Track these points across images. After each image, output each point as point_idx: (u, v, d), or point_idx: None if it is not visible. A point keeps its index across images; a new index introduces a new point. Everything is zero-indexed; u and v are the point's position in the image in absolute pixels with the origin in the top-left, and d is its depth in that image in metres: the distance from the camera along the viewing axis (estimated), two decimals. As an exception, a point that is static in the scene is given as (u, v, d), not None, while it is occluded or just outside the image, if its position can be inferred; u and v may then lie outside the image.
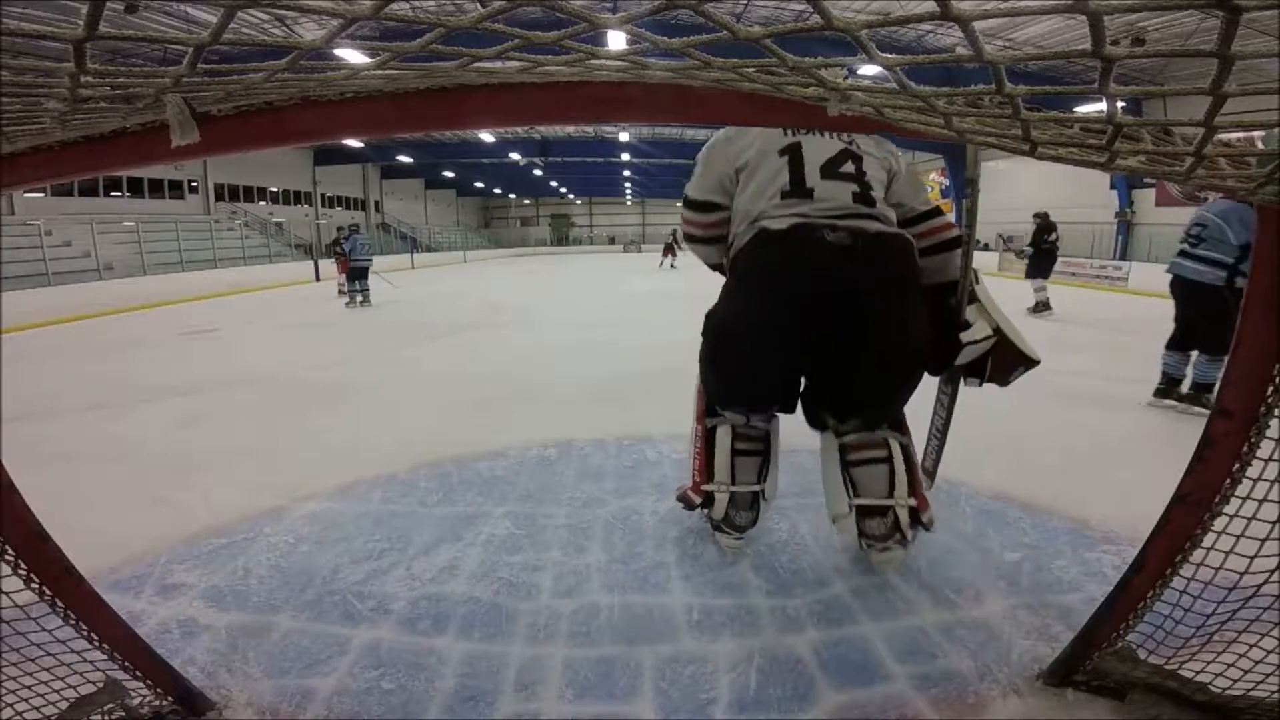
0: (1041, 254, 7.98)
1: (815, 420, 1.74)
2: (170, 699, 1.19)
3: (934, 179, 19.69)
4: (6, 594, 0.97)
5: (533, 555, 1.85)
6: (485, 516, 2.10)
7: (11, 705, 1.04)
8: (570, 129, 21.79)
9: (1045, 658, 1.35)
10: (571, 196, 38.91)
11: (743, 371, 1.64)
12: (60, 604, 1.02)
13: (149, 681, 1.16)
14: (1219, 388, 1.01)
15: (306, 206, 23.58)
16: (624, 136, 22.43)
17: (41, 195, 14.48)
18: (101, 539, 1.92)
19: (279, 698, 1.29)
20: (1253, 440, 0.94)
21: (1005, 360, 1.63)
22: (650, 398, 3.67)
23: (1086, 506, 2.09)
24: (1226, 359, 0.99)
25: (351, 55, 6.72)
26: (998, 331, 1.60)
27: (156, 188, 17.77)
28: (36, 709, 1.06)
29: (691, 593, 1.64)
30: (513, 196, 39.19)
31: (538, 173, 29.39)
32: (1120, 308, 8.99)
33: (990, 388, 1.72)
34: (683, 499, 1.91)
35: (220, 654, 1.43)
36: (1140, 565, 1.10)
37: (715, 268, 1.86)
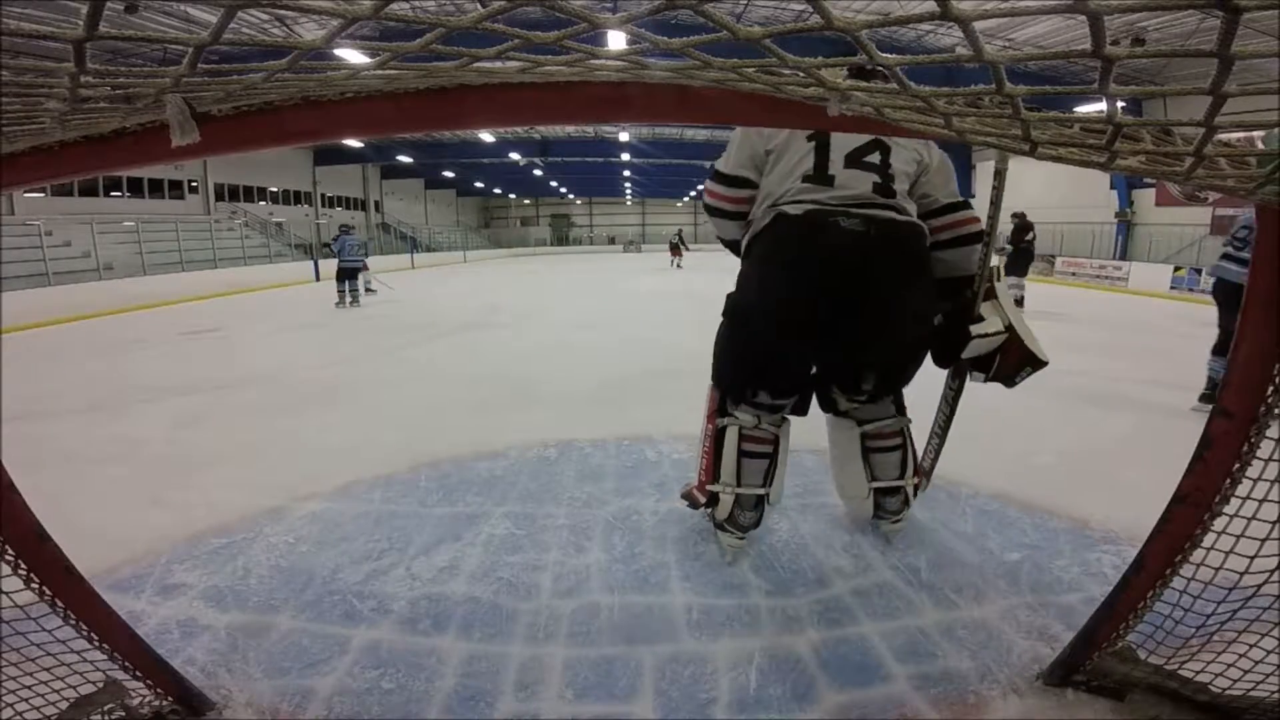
0: (1019, 253, 8.06)
1: (826, 401, 1.83)
2: (170, 699, 1.19)
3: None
4: (6, 594, 0.97)
5: (533, 555, 1.85)
6: (485, 516, 2.10)
7: (11, 705, 1.04)
8: (570, 129, 21.78)
9: (1045, 658, 1.35)
10: (571, 196, 38.91)
11: (759, 352, 1.66)
12: (60, 604, 1.02)
13: (149, 681, 1.16)
14: (1219, 388, 1.01)
15: (306, 206, 23.57)
16: (624, 136, 22.41)
17: (41, 195, 14.48)
18: (101, 539, 1.92)
19: (279, 698, 1.29)
20: (1253, 440, 0.94)
21: (1013, 359, 1.64)
22: (650, 398, 3.67)
23: (1086, 506, 2.09)
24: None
25: (351, 55, 6.72)
26: (1009, 329, 1.61)
27: (156, 188, 17.76)
28: (36, 709, 1.06)
29: (691, 593, 1.65)
30: (513, 196, 39.19)
31: (538, 173, 29.39)
32: (1120, 308, 8.99)
33: (992, 388, 1.72)
34: (687, 497, 1.92)
35: (220, 654, 1.43)
36: (1140, 565, 1.10)
37: (731, 244, 1.85)
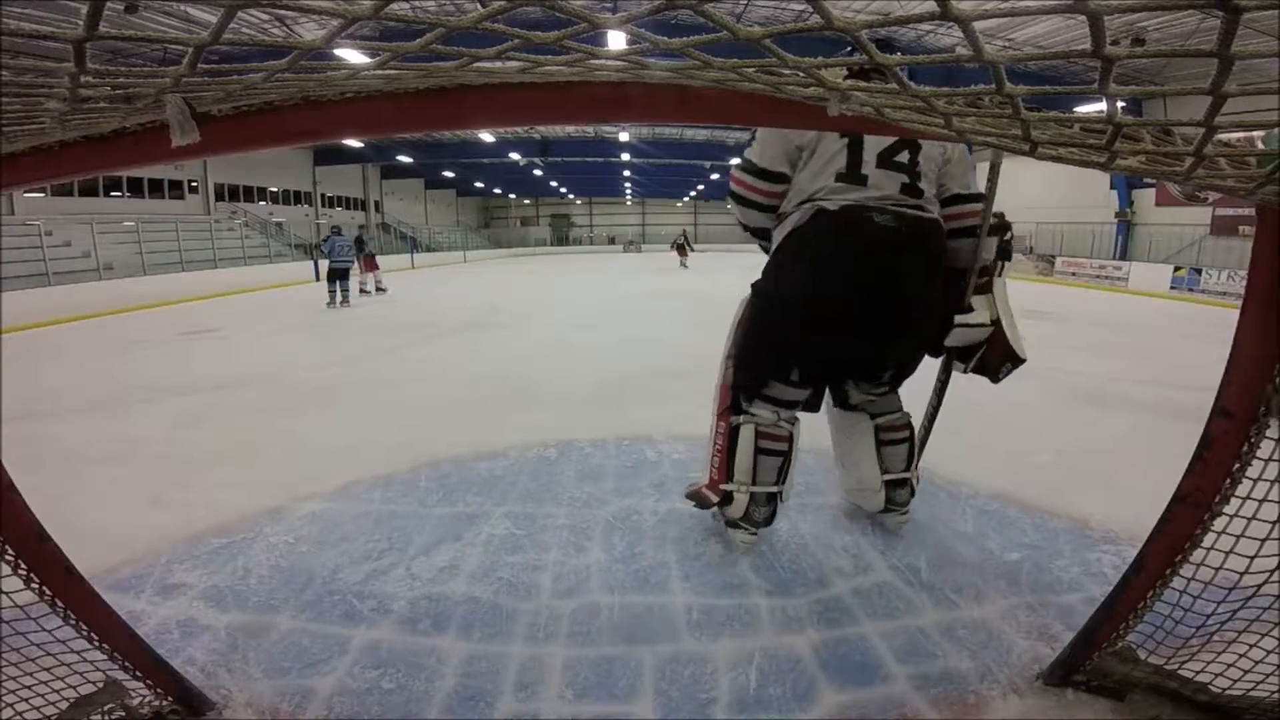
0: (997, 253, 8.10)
1: (839, 394, 1.88)
2: (170, 699, 1.19)
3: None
4: (6, 594, 0.97)
5: (533, 555, 1.85)
6: (485, 516, 2.10)
7: (11, 705, 1.04)
8: (570, 129, 21.78)
9: (1045, 658, 1.35)
10: (571, 196, 38.90)
11: (794, 341, 1.68)
12: (60, 604, 1.02)
13: (149, 681, 1.16)
14: (1219, 388, 1.01)
15: (306, 206, 23.57)
16: (624, 136, 22.41)
17: (41, 195, 14.47)
18: (101, 539, 1.92)
19: (279, 698, 1.29)
20: (1252, 440, 0.94)
21: (997, 353, 1.65)
22: (650, 398, 3.67)
23: (1086, 506, 2.09)
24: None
25: (351, 55, 6.72)
26: (995, 323, 1.62)
27: (156, 188, 17.75)
28: (36, 709, 1.06)
29: (691, 592, 1.65)
30: (513, 196, 39.19)
31: (538, 173, 29.38)
32: (1120, 308, 8.99)
33: (990, 388, 1.73)
34: (694, 496, 1.90)
35: (220, 654, 1.43)
36: (1140, 565, 1.10)
37: (756, 232, 1.84)
